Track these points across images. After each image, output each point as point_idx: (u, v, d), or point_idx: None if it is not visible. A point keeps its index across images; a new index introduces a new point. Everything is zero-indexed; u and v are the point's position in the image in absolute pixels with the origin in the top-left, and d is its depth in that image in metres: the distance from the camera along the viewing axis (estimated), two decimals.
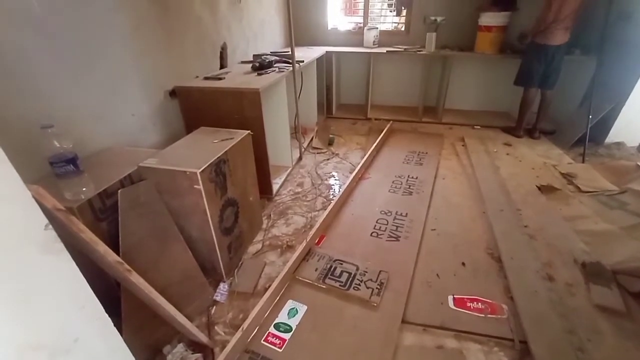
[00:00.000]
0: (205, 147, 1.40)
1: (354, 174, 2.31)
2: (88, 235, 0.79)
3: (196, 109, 1.84)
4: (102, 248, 0.81)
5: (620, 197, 2.05)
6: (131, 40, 1.53)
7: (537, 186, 2.28)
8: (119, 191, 1.15)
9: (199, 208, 1.30)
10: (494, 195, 2.18)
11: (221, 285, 1.49)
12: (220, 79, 1.93)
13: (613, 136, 2.87)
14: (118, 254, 1.10)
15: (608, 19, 2.65)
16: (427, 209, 2.05)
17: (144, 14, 1.59)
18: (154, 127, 1.74)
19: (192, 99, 1.83)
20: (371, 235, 1.80)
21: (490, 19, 3.11)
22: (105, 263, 0.80)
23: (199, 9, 2.00)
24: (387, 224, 1.89)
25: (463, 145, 3.01)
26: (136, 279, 0.83)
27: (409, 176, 2.43)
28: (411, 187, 2.28)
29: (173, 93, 1.82)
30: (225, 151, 1.37)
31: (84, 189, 1.08)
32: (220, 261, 1.45)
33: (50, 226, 0.59)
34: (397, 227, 1.87)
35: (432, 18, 3.26)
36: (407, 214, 1.98)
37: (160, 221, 1.28)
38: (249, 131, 1.55)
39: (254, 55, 2.49)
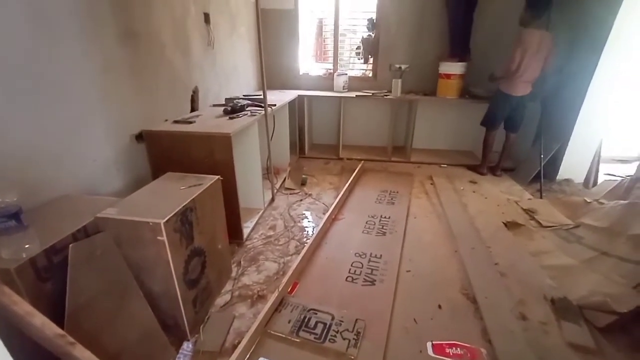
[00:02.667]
0: (171, 195, 1.34)
1: (327, 214, 2.29)
2: (22, 308, 0.69)
3: (164, 153, 1.79)
4: (39, 321, 0.71)
5: (575, 232, 2.17)
6: (98, 82, 1.50)
7: (503, 222, 2.37)
8: (70, 246, 1.04)
9: (162, 260, 1.21)
10: (465, 233, 2.23)
11: (185, 344, 1.35)
12: (190, 122, 1.91)
13: (563, 173, 3.11)
14: (62, 318, 0.98)
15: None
16: (401, 249, 2.05)
17: (113, 57, 1.58)
18: (117, 172, 1.65)
19: (160, 144, 1.78)
20: (346, 280, 1.75)
21: (449, 67, 3.40)
22: (43, 338, 0.70)
23: (170, 52, 2.02)
24: (362, 267, 1.85)
25: (432, 184, 3.12)
26: (81, 353, 0.73)
27: (381, 216, 2.44)
28: (384, 227, 2.29)
29: (140, 137, 1.76)
30: (193, 198, 1.32)
31: (26, 246, 0.97)
32: (184, 317, 1.33)
33: None
34: (372, 269, 1.83)
35: (397, 66, 3.50)
36: (381, 255, 1.96)
37: (117, 276, 1.17)
38: (218, 176, 1.51)
39: (226, 99, 2.52)
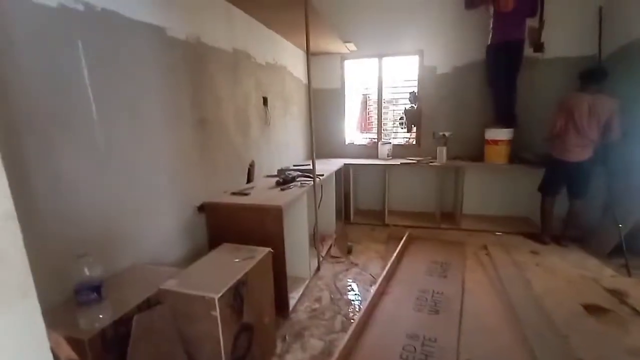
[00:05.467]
0: (226, 267, 1.41)
1: (375, 288, 2.20)
2: None
3: (221, 223, 1.93)
4: None
5: None
6: (173, 162, 1.73)
7: (581, 305, 2.06)
8: (135, 317, 1.12)
9: (212, 336, 1.23)
10: (532, 316, 1.97)
11: None
12: (245, 194, 2.07)
13: None
14: None
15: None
16: (458, 332, 1.85)
17: (187, 140, 1.84)
18: (179, 241, 1.80)
19: (218, 214, 1.94)
20: None
21: (495, 134, 3.37)
22: None
23: (233, 134, 2.30)
24: (414, 352, 1.69)
25: (487, 254, 2.89)
26: None
27: (433, 291, 2.28)
28: (437, 305, 2.12)
29: (201, 208, 1.94)
30: (246, 272, 1.37)
31: (100, 316, 1.07)
32: None
33: None
34: (426, 356, 1.66)
35: (441, 133, 3.57)
36: (436, 339, 1.79)
37: (169, 348, 1.20)
38: (269, 249, 1.57)
39: (278, 170, 2.72)
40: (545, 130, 3.03)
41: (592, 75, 2.76)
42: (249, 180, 2.49)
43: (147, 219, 1.59)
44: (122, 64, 1.42)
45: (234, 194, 2.10)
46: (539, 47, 3.21)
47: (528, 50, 3.23)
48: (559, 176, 2.94)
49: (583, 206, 2.97)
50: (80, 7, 1.23)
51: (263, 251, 1.56)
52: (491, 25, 3.23)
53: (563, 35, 3.24)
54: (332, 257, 2.83)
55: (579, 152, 2.79)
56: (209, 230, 1.96)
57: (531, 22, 3.19)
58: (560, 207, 3.04)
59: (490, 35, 3.25)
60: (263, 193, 2.13)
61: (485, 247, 3.02)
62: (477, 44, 3.44)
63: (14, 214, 0.54)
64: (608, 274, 2.48)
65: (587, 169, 2.84)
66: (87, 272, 1.03)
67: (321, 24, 2.68)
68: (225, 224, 1.91)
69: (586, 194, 2.91)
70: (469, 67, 3.59)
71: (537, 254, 2.87)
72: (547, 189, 3.03)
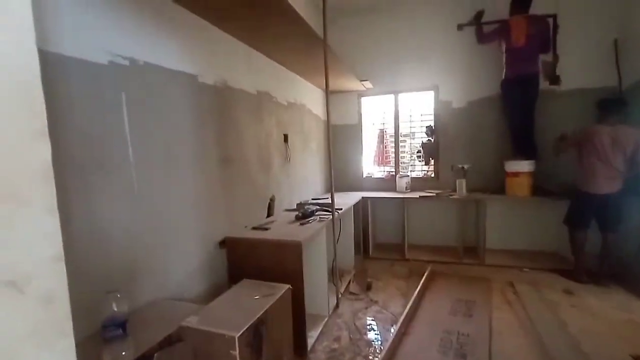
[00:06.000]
0: (246, 304, 1.42)
1: (396, 328, 2.11)
2: None
3: (241, 258, 1.96)
4: None
5: None
6: (197, 199, 1.81)
7: (631, 356, 1.86)
8: (155, 355, 1.13)
9: None
10: None
11: None
12: (266, 229, 2.11)
13: None
14: None
15: None
16: None
17: (212, 178, 1.93)
18: (201, 277, 1.83)
19: (239, 249, 1.97)
20: None
21: (515, 166, 3.31)
22: None
23: (255, 170, 2.40)
24: None
25: (514, 293, 2.74)
26: None
27: (459, 332, 2.16)
28: (463, 348, 2.00)
29: (223, 243, 1.99)
30: (265, 310, 1.37)
31: (123, 353, 1.09)
32: None
33: None
34: None
35: (459, 166, 3.54)
36: None
37: None
38: (289, 286, 1.58)
39: (297, 204, 2.77)
40: (566, 161, 2.96)
41: (611, 105, 2.75)
42: (269, 215, 2.54)
43: (171, 255, 1.64)
44: (157, 109, 1.55)
45: (254, 228, 2.14)
46: (554, 80, 3.23)
47: (545, 83, 3.25)
48: (586, 209, 2.83)
49: (617, 240, 2.81)
50: (126, 62, 1.39)
51: (283, 288, 1.56)
52: (504, 61, 3.30)
53: (581, 66, 3.26)
54: (351, 293, 2.76)
55: (607, 183, 2.71)
56: (229, 265, 1.99)
57: (545, 56, 3.24)
58: (593, 241, 2.88)
59: (504, 70, 3.31)
60: (283, 228, 2.17)
61: (512, 285, 2.87)
62: (490, 79, 3.50)
63: (63, 255, 0.59)
64: None
65: (617, 202, 2.73)
66: (115, 308, 1.07)
67: (339, 65, 2.84)
68: (246, 259, 1.94)
69: (619, 226, 2.77)
70: (483, 101, 3.64)
71: (571, 294, 2.69)
72: (573, 221, 2.92)
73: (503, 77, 3.34)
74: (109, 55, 1.31)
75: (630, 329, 2.15)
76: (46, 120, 0.55)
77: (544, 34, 3.15)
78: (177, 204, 1.67)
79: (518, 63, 3.21)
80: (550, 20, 3.18)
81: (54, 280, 0.57)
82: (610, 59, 3.17)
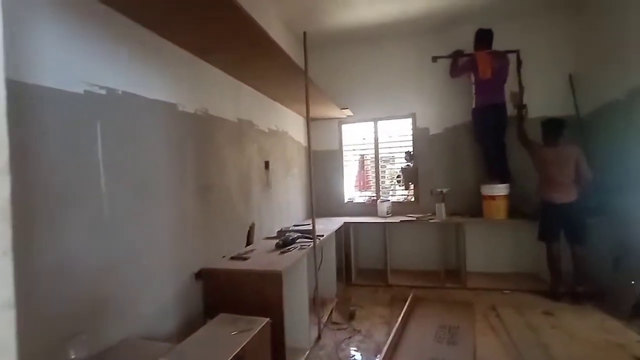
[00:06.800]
0: (223, 341, 1.35)
1: (380, 358, 2.05)
2: None
3: (218, 290, 1.88)
4: None
5: None
6: (173, 229, 1.75)
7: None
8: None
9: None
10: None
11: None
12: (245, 258, 2.05)
13: None
14: None
15: (606, 186, 3.01)
16: None
17: (188, 208, 1.88)
18: (174, 311, 1.74)
19: (216, 281, 1.90)
20: None
21: (491, 189, 3.42)
22: None
23: (235, 198, 2.36)
24: None
25: (497, 316, 2.75)
26: None
27: None
28: None
29: (199, 274, 1.91)
30: (242, 347, 1.31)
31: None
32: None
33: None
34: None
35: (438, 190, 3.62)
36: None
37: None
38: (267, 319, 1.52)
39: (278, 232, 2.73)
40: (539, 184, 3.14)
41: (551, 126, 3.05)
42: (248, 243, 2.48)
43: (144, 288, 1.56)
44: (134, 138, 1.53)
45: (233, 258, 2.08)
46: (521, 108, 3.46)
47: (514, 111, 3.46)
48: (552, 219, 3.01)
49: (585, 255, 2.94)
50: (103, 92, 1.37)
51: (261, 322, 1.50)
52: (474, 91, 3.52)
53: (544, 97, 3.52)
54: (334, 323, 2.68)
55: (563, 193, 2.94)
56: (205, 297, 1.90)
57: (512, 87, 3.48)
58: (569, 263, 2.99)
59: (474, 100, 3.52)
60: (262, 257, 2.11)
61: (494, 308, 2.88)
62: (464, 107, 3.70)
63: (13, 302, 0.54)
64: (634, 339, 2.31)
65: (576, 211, 2.93)
66: (73, 356, 0.99)
67: (320, 95, 2.92)
68: (223, 291, 1.87)
69: (584, 237, 2.93)
70: (459, 127, 3.82)
71: (551, 315, 2.72)
72: (544, 234, 3.07)
73: (473, 105, 3.54)
74: (86, 85, 1.29)
75: (609, 351, 2.18)
76: (7, 156, 0.52)
77: (507, 67, 3.42)
78: (152, 234, 1.61)
79: (486, 93, 3.43)
80: (514, 55, 3.47)
81: (1, 330, 0.52)
82: (569, 91, 3.45)
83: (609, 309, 2.72)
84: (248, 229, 2.52)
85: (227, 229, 2.27)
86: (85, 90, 1.29)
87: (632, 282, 2.56)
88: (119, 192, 1.43)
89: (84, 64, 1.30)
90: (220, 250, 2.16)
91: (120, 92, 1.45)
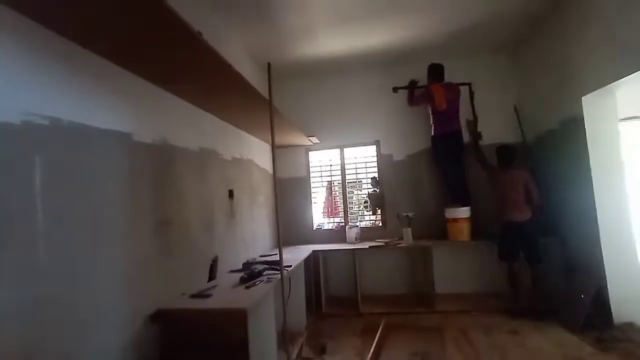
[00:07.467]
0: None
1: None
2: None
3: (177, 334, 1.71)
4: None
5: None
6: (125, 270, 1.59)
7: None
8: None
9: None
10: None
11: None
12: (207, 296, 1.91)
13: (618, 315, 2.71)
14: None
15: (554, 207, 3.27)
16: None
17: (145, 245, 1.73)
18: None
19: (174, 323, 1.74)
20: None
21: (454, 212, 3.56)
22: None
23: (196, 232, 2.23)
24: None
25: (467, 340, 2.77)
26: None
27: None
28: None
29: (155, 317, 1.74)
30: None
31: None
32: None
33: None
34: None
35: (404, 214, 3.70)
36: None
37: None
38: None
39: (243, 264, 2.60)
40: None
41: (503, 153, 3.36)
42: (211, 278, 2.33)
43: (85, 339, 1.36)
44: (81, 172, 1.40)
45: (193, 296, 1.92)
46: (477, 135, 3.72)
47: (470, 137, 3.70)
48: (509, 238, 3.20)
49: (543, 271, 3.14)
50: (46, 122, 1.26)
51: None
52: (432, 120, 3.74)
53: (497, 125, 3.82)
54: (304, 358, 2.55)
55: (519, 211, 3.15)
56: (162, 343, 1.72)
57: (467, 116, 3.75)
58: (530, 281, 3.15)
59: (433, 128, 3.73)
60: (226, 293, 1.98)
61: (464, 332, 2.91)
62: (424, 135, 3.90)
63: None
64: (587, 352, 2.44)
65: (531, 230, 3.13)
66: None
67: (285, 123, 2.93)
68: (182, 334, 1.70)
69: (539, 256, 3.12)
70: (421, 153, 4.00)
71: (516, 334, 2.81)
72: (503, 253, 3.25)
73: (432, 133, 3.74)
74: (23, 115, 1.18)
75: None
76: None
77: (458, 98, 3.71)
78: (97, 279, 1.44)
79: (443, 122, 3.66)
80: (467, 87, 3.78)
81: None
82: (516, 120, 3.79)
83: (565, 324, 2.86)
84: (211, 263, 2.37)
85: (188, 264, 2.12)
86: (22, 121, 1.18)
87: (582, 296, 2.73)
88: (59, 233, 1.28)
89: (24, 92, 1.20)
90: (179, 288, 2.00)
91: (65, 122, 1.34)
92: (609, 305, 2.73)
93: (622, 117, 3.07)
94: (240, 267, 2.55)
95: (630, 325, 2.67)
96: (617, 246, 2.77)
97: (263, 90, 2.23)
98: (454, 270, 3.82)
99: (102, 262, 1.47)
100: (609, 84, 2.55)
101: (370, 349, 2.52)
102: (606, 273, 2.74)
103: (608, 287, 2.73)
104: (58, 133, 1.31)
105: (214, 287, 2.11)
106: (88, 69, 1.49)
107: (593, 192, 2.80)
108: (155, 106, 1.97)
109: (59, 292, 1.26)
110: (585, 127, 2.84)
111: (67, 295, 1.30)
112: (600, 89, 2.66)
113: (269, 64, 2.19)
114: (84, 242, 1.39)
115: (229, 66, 1.76)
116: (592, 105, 2.83)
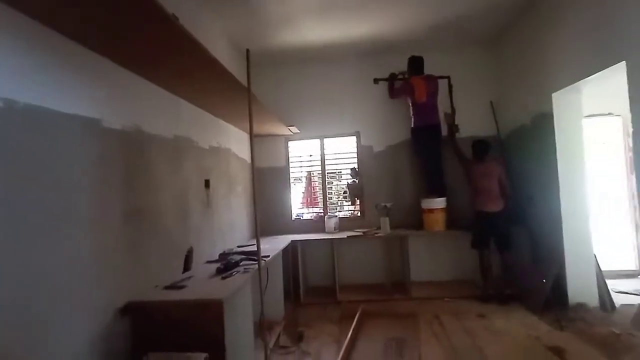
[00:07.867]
0: None
1: None
2: None
3: (150, 326, 1.67)
4: None
5: None
6: (93, 260, 1.53)
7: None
8: None
9: None
10: None
11: None
12: (181, 287, 1.88)
13: (573, 297, 2.95)
14: None
15: (520, 199, 3.44)
16: None
17: (114, 236, 1.67)
18: (95, 356, 1.50)
19: (146, 316, 1.69)
20: None
21: (430, 203, 3.66)
22: None
23: (170, 221, 2.17)
24: None
25: (439, 324, 2.89)
26: None
27: None
28: None
29: (125, 310, 1.69)
30: None
31: None
32: None
33: None
34: None
35: (382, 204, 3.76)
36: None
37: None
38: (205, 355, 1.39)
39: (219, 255, 2.56)
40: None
41: (478, 147, 3.48)
42: (186, 269, 2.29)
43: (49, 335, 1.29)
44: (42, 159, 1.32)
45: (167, 288, 1.88)
46: (454, 128, 3.81)
47: (447, 130, 3.79)
48: (483, 227, 3.37)
49: (512, 258, 3.34)
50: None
51: (198, 358, 1.36)
52: (411, 112, 3.78)
53: (473, 119, 3.92)
54: (282, 347, 2.57)
55: (492, 202, 3.31)
56: (134, 337, 1.68)
57: (446, 109, 3.82)
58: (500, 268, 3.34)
59: (412, 120, 3.78)
60: (202, 284, 1.95)
61: (437, 317, 3.03)
62: (404, 126, 3.95)
63: None
64: (545, 330, 2.65)
65: (502, 219, 3.31)
66: None
67: (264, 112, 2.88)
68: (155, 327, 1.66)
69: (510, 244, 3.31)
70: (400, 145, 4.05)
71: (484, 317, 2.97)
72: (476, 241, 3.41)
73: (412, 125, 3.79)
74: None
75: (527, 343, 2.48)
76: None
77: (437, 91, 3.77)
78: (62, 269, 1.38)
79: (422, 115, 3.72)
80: (446, 80, 3.83)
81: None
82: (491, 115, 3.90)
83: (527, 307, 3.08)
84: (186, 253, 2.32)
85: (161, 255, 2.07)
86: None
87: (544, 281, 2.93)
88: (15, 225, 1.20)
89: None
90: (152, 279, 1.94)
91: (21, 105, 1.25)
92: (566, 289, 2.94)
93: (586, 114, 3.24)
94: (217, 257, 2.52)
95: (582, 306, 2.92)
96: (576, 235, 2.97)
97: (242, 78, 2.17)
98: (429, 259, 3.94)
99: (65, 254, 1.40)
100: (577, 81, 2.67)
101: (347, 335, 2.58)
102: (565, 259, 2.94)
103: (566, 272, 2.94)
104: (12, 117, 1.21)
105: (189, 278, 2.08)
106: (51, 50, 1.39)
107: (559, 185, 2.96)
108: (128, 92, 1.87)
109: (13, 289, 1.19)
110: (554, 122, 2.97)
111: (24, 292, 1.22)
112: (569, 86, 2.79)
113: (247, 51, 2.13)
114: (44, 232, 1.31)
115: (206, 51, 1.69)
116: (561, 102, 2.96)
